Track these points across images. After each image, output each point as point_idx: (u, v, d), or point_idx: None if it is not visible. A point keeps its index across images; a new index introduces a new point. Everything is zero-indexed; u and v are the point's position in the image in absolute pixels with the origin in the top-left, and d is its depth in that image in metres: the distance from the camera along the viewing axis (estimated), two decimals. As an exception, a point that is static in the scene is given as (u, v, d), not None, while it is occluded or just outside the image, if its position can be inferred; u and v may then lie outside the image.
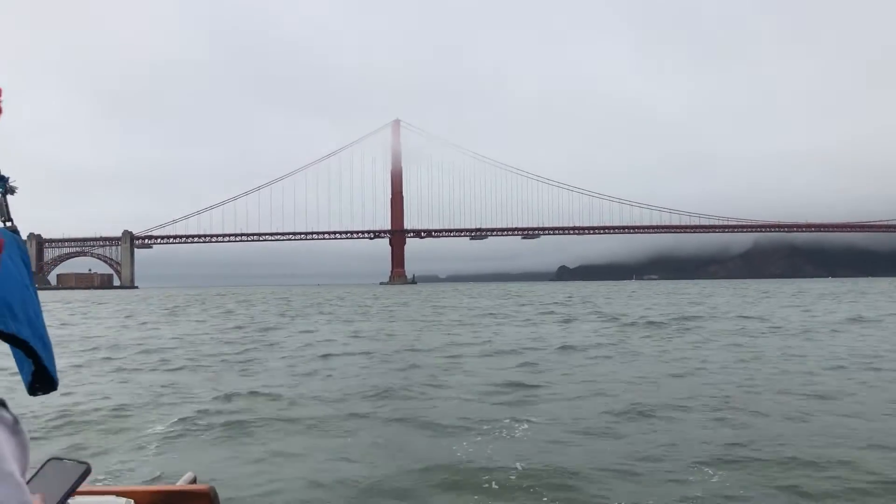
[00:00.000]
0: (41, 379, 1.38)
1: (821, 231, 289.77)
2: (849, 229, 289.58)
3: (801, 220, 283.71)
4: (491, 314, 46.52)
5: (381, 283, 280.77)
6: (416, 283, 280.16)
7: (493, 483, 7.97)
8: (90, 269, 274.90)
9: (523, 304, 62.29)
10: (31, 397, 1.32)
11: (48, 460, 1.89)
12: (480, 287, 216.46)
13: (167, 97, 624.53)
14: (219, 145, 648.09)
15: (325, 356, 21.67)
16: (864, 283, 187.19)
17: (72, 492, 1.82)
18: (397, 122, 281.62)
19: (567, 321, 37.75)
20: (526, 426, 10.88)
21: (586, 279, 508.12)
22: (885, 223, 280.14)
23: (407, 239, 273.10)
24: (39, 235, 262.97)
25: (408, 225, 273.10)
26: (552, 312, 47.16)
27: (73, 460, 1.90)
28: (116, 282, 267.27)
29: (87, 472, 1.89)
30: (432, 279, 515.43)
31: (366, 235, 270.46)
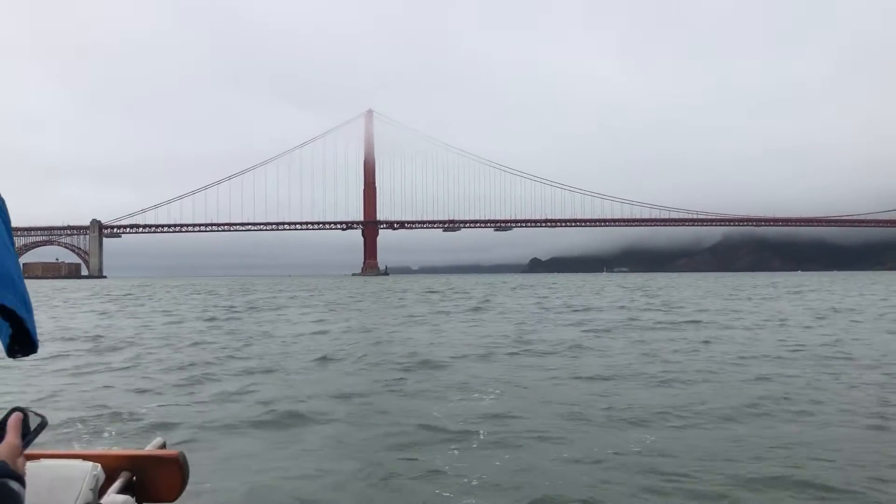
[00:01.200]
0: (21, 341, 1.32)
1: (788, 225, 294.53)
2: (815, 223, 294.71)
3: (770, 214, 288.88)
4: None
5: (354, 274, 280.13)
6: (388, 274, 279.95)
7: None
8: (57, 259, 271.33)
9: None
10: None
11: (11, 410, 1.85)
12: (440, 278, 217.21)
13: (138, 84, 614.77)
14: (191, 135, 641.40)
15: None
16: (815, 277, 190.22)
17: (27, 444, 1.78)
18: (370, 113, 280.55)
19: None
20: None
21: (558, 271, 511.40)
22: (852, 218, 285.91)
23: (379, 230, 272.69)
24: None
25: (381, 216, 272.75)
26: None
27: (34, 412, 1.87)
28: (85, 271, 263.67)
29: (44, 425, 1.88)
30: (405, 270, 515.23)
31: (338, 226, 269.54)
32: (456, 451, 8.56)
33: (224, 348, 20.67)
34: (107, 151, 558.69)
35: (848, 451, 8.42)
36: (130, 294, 75.72)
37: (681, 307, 41.49)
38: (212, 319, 33.61)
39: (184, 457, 2.67)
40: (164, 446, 2.85)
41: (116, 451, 2.73)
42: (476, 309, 41.47)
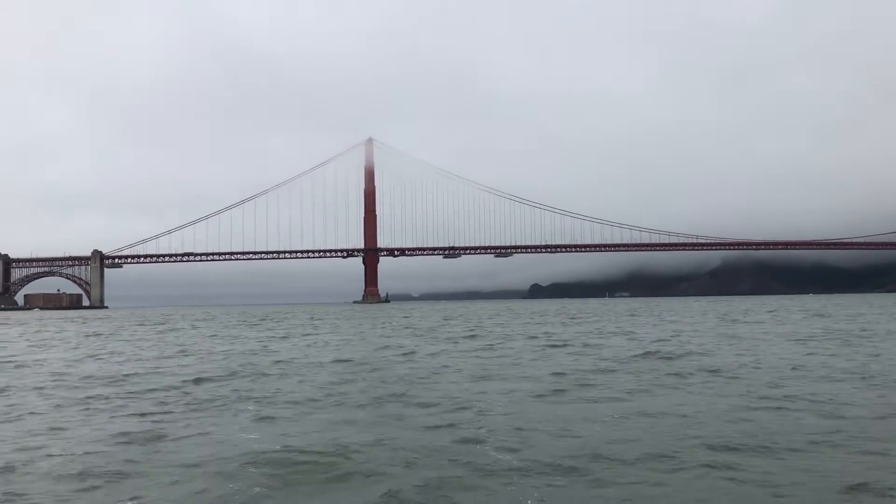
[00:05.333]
0: None
1: (788, 248, 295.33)
2: (815, 246, 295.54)
3: (771, 238, 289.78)
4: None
5: (355, 302, 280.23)
6: (389, 301, 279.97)
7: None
8: (59, 290, 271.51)
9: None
10: None
11: None
12: (434, 305, 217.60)
13: (138, 113, 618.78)
14: (192, 164, 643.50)
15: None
16: (805, 300, 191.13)
17: None
18: (370, 141, 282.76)
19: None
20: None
21: (559, 297, 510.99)
22: (852, 241, 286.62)
23: (380, 257, 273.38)
24: (6, 255, 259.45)
25: (381, 243, 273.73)
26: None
27: None
28: (86, 302, 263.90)
29: None
30: (406, 297, 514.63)
31: (339, 254, 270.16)
32: None
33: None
34: (111, 181, 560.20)
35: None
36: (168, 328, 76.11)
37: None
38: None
39: None
40: None
41: None
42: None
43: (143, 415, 14.90)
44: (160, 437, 12.19)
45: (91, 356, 31.44)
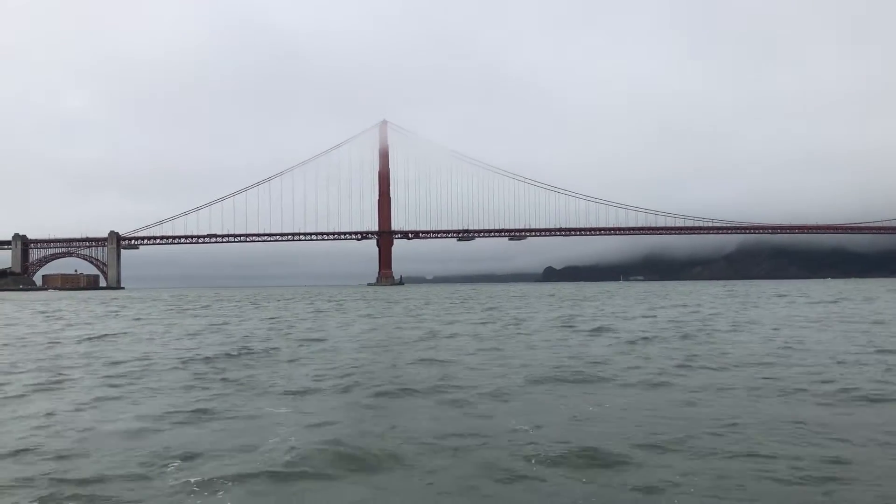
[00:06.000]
0: None
1: (805, 232, 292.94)
2: (833, 230, 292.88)
3: (788, 222, 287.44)
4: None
5: (369, 284, 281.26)
6: (403, 283, 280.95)
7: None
8: (76, 270, 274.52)
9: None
10: None
11: None
12: (448, 288, 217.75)
13: (157, 95, 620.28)
14: (209, 146, 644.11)
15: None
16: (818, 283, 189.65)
17: None
18: (385, 123, 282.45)
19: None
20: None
21: (573, 280, 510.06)
22: (871, 225, 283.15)
23: (394, 240, 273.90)
24: (25, 236, 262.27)
25: (395, 226, 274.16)
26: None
27: None
28: (103, 283, 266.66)
29: None
30: (419, 280, 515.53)
31: (353, 236, 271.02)
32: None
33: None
34: (129, 162, 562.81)
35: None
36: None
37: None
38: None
39: None
40: None
41: None
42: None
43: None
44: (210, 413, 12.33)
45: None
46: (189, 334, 31.31)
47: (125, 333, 32.08)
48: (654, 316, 41.71)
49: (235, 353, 22.32)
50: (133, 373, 17.95)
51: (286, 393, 14.52)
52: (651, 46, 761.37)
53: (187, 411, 12.50)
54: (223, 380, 16.44)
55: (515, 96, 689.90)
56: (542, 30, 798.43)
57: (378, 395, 14.17)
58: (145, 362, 20.17)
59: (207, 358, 20.80)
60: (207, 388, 15.19)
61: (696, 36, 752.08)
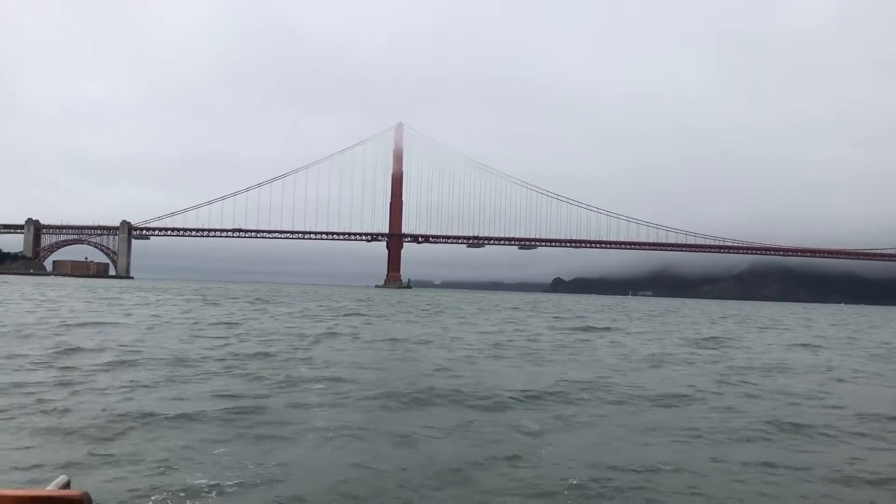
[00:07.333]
0: None
1: (817, 256, 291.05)
2: (844, 256, 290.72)
3: (799, 244, 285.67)
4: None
5: (377, 286, 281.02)
6: (410, 287, 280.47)
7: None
8: (86, 258, 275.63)
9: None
10: None
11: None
12: (455, 294, 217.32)
13: (175, 86, 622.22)
14: (224, 140, 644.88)
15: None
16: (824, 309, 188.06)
17: None
18: (401, 126, 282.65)
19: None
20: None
21: (581, 292, 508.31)
22: (884, 252, 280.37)
23: (404, 243, 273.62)
24: (37, 221, 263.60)
25: (406, 229, 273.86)
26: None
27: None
28: (112, 271, 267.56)
29: None
30: (427, 284, 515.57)
31: (363, 237, 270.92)
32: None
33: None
34: (145, 152, 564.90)
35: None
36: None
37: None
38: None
39: (88, 498, 2.46)
40: (68, 485, 2.62)
41: (13, 490, 2.53)
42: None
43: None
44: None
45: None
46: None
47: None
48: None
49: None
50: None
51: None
52: (681, 64, 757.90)
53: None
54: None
55: (544, 105, 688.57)
56: (587, 46, 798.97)
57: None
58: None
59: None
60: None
61: (729, 55, 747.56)
